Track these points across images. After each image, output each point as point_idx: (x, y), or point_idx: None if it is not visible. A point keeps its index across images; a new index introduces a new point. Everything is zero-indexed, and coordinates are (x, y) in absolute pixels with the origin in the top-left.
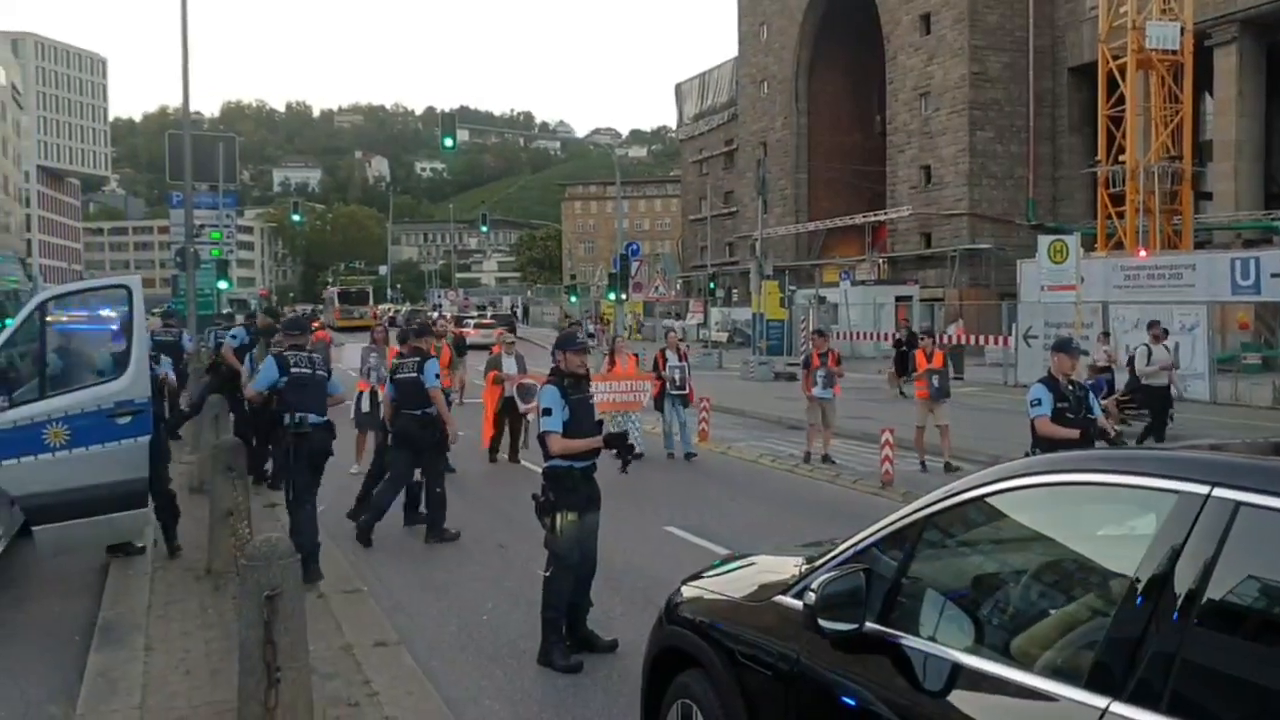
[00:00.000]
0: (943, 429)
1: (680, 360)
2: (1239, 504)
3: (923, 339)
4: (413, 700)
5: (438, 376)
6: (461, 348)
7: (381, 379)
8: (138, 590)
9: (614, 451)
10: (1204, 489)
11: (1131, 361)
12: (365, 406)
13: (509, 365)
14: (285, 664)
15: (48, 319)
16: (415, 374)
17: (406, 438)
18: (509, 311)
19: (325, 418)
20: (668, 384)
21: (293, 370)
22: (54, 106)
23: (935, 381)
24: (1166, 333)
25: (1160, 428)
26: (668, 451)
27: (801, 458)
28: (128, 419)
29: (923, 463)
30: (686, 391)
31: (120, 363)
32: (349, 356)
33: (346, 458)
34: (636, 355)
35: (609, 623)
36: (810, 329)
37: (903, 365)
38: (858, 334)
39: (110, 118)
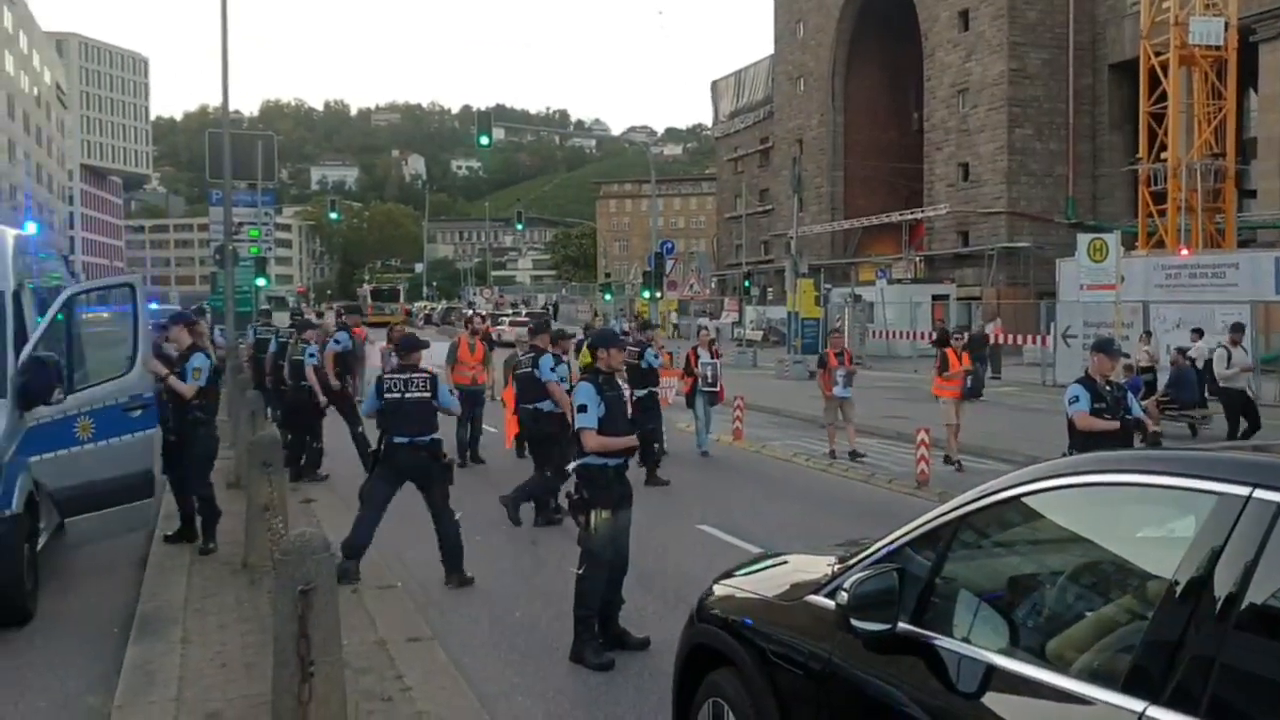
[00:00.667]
0: (957, 426)
1: (712, 358)
2: None
3: (955, 338)
4: (445, 696)
5: (553, 370)
6: (490, 345)
7: None
8: (175, 584)
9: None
10: (1245, 490)
11: (1181, 362)
12: None
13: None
14: (319, 658)
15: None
16: (531, 369)
17: (523, 429)
18: (543, 309)
19: (413, 438)
20: (699, 381)
21: (385, 396)
22: (97, 106)
23: (969, 382)
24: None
25: (1250, 425)
26: (700, 450)
27: (828, 455)
28: (139, 412)
29: (958, 462)
30: (717, 389)
31: (128, 358)
32: (376, 356)
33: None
34: (670, 353)
35: (642, 621)
36: (846, 327)
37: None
38: (894, 333)
39: (152, 117)
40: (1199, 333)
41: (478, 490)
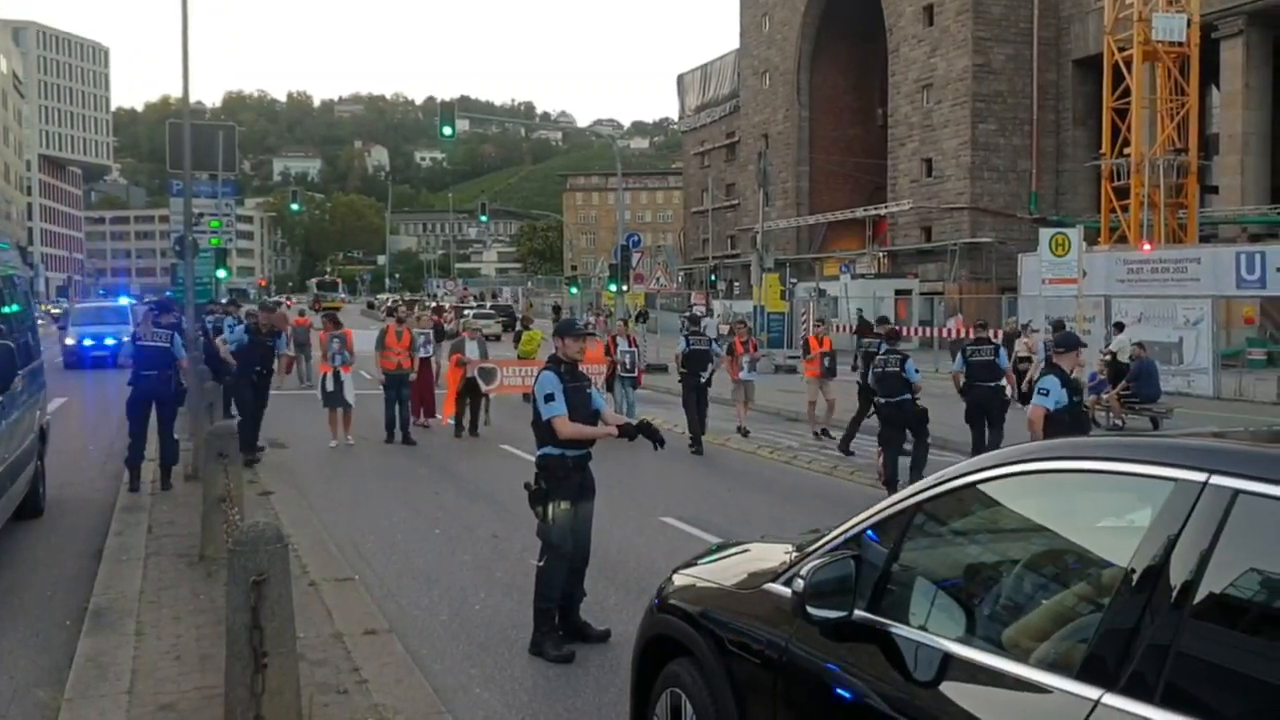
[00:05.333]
0: (831, 403)
1: (630, 346)
2: (1237, 491)
3: (817, 326)
4: (402, 688)
5: (918, 371)
6: (440, 334)
7: (345, 362)
8: (130, 576)
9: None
10: (1201, 476)
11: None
12: (329, 386)
13: (471, 350)
14: (272, 649)
15: None
16: (899, 369)
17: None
18: (508, 303)
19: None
20: (619, 367)
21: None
22: (56, 95)
23: (826, 363)
24: None
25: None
26: None
27: (737, 432)
28: None
29: (815, 432)
30: (635, 374)
31: None
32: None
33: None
34: (602, 341)
35: (603, 613)
36: (810, 321)
37: None
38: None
39: (112, 107)
40: (1119, 326)
41: (436, 484)
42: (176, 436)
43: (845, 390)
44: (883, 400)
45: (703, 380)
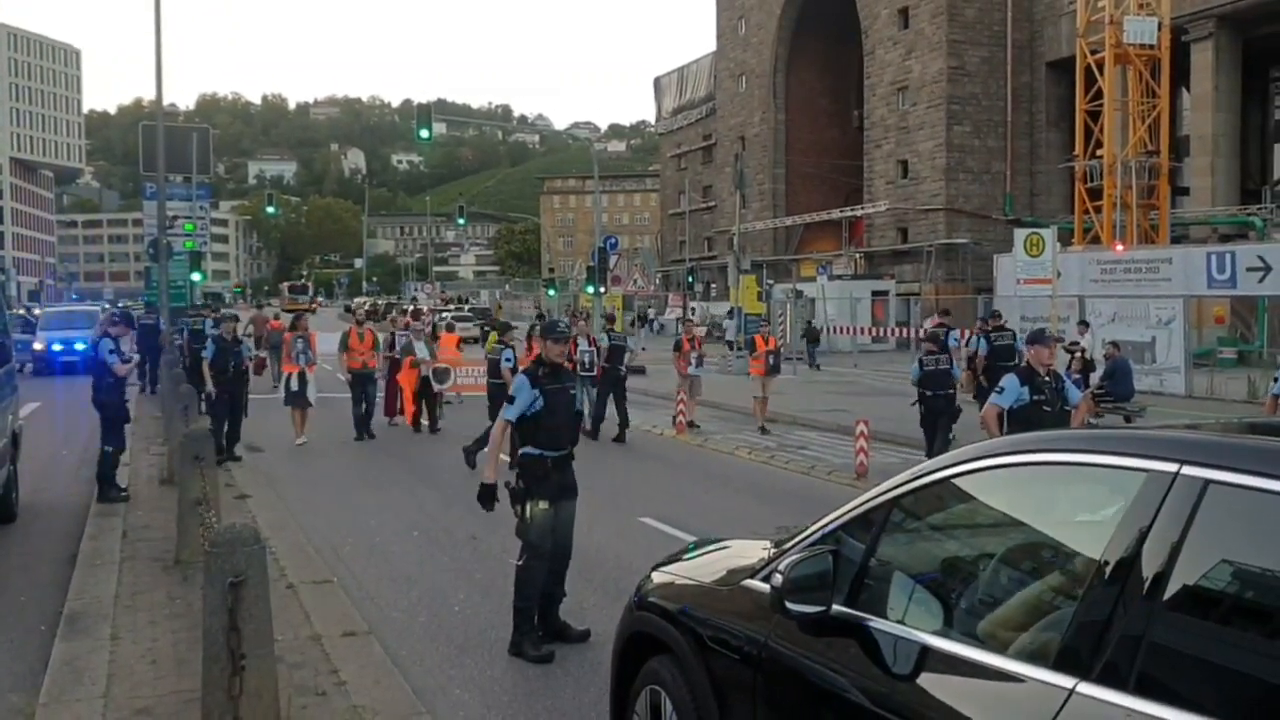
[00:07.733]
0: (764, 399)
1: (589, 346)
2: (1208, 482)
3: (762, 325)
4: (381, 690)
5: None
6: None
7: (310, 361)
8: (105, 580)
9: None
10: (1172, 467)
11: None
12: (294, 386)
13: (421, 350)
14: (250, 651)
15: None
16: (949, 368)
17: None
18: (486, 306)
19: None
20: (578, 367)
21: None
22: (27, 98)
23: (771, 361)
24: None
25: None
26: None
27: (675, 423)
28: None
29: (763, 428)
30: (594, 374)
31: None
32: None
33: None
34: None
35: (582, 613)
36: (788, 323)
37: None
38: (835, 328)
39: (84, 110)
40: (1085, 325)
41: (415, 486)
42: (109, 448)
43: (791, 386)
44: (930, 393)
45: (622, 373)
